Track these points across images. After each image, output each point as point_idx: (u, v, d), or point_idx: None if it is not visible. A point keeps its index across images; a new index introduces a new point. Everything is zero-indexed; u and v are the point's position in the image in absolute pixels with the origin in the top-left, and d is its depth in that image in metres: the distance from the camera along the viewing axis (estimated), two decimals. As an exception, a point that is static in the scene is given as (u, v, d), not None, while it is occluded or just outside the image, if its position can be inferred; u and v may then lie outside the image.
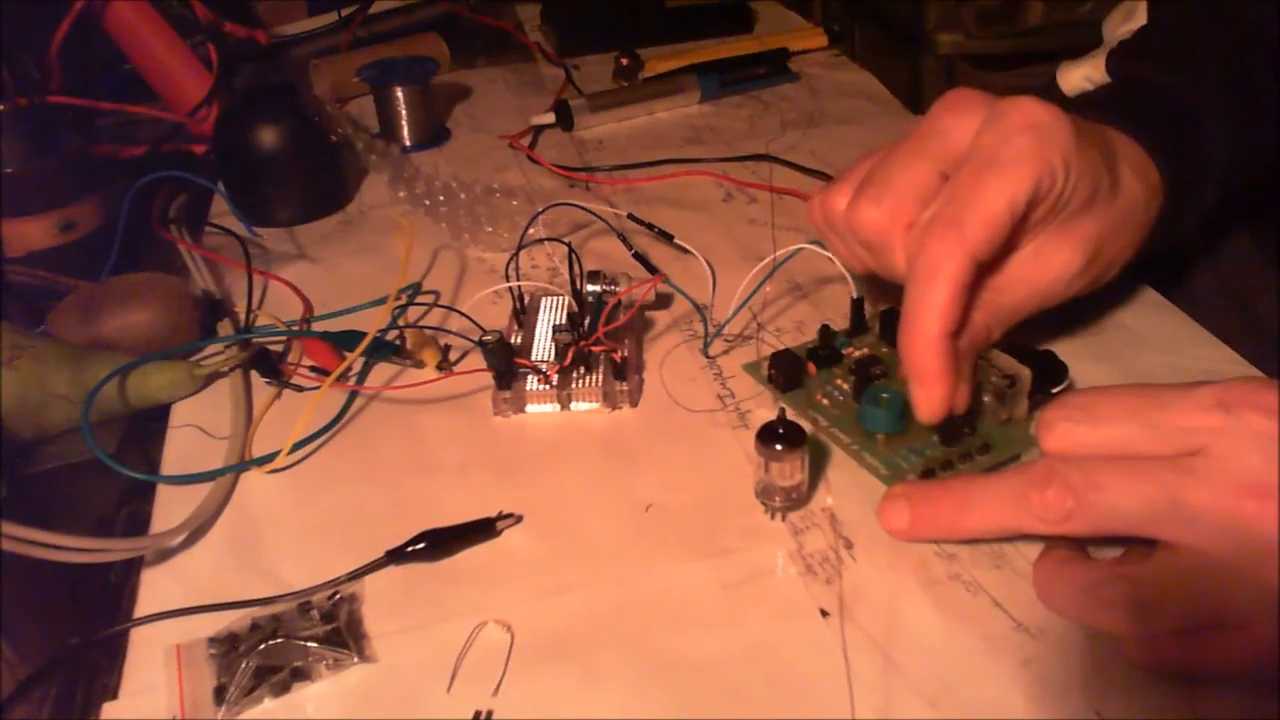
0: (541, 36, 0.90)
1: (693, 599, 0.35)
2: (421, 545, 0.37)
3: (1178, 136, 0.44)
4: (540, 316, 0.48)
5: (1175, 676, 0.31)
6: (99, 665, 0.35)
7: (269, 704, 0.33)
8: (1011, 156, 0.36)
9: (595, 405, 0.44)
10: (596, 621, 0.34)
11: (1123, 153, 0.41)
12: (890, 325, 0.45)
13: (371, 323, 0.46)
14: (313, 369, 0.47)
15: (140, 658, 0.34)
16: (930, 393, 0.37)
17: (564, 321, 0.46)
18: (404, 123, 0.70)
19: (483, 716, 0.32)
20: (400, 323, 0.50)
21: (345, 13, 0.92)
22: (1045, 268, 0.40)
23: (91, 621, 0.36)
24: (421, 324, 0.51)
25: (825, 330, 0.45)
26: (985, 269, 0.38)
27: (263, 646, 0.33)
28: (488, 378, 0.44)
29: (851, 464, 0.40)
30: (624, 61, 0.79)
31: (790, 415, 0.41)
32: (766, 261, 0.44)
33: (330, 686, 0.33)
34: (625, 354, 0.44)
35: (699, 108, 0.75)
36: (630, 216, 0.54)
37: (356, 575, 0.36)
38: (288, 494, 0.41)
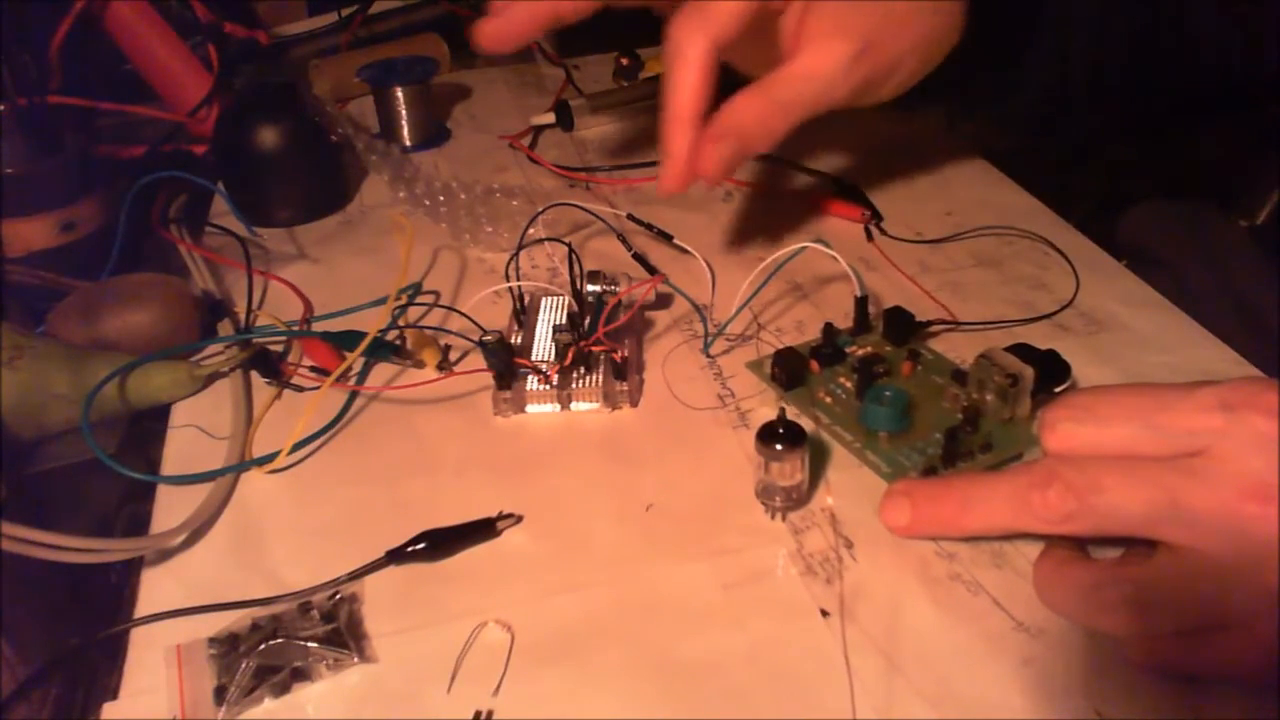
0: (542, 36, 0.90)
1: (693, 599, 0.35)
2: (421, 545, 0.37)
3: None
4: (540, 316, 0.48)
5: (1175, 677, 0.31)
6: (99, 665, 0.35)
7: (269, 704, 0.32)
8: None
9: (595, 405, 0.44)
10: (596, 621, 0.34)
11: None
12: (894, 324, 0.45)
13: (371, 323, 0.46)
14: (313, 369, 0.47)
15: (140, 658, 0.34)
16: (671, 166, 0.42)
17: (564, 321, 0.45)
18: (404, 123, 0.70)
19: (483, 716, 0.32)
20: (400, 323, 0.50)
21: (345, 13, 0.92)
22: (818, 60, 0.42)
23: (91, 621, 0.36)
24: (421, 324, 0.51)
25: (829, 328, 0.45)
26: (768, 68, 0.42)
27: (263, 646, 0.33)
28: (488, 378, 0.44)
29: (852, 464, 0.40)
30: (624, 61, 0.79)
31: (793, 413, 0.42)
32: (768, 262, 0.44)
33: (330, 686, 0.33)
34: (625, 354, 0.44)
35: (699, 107, 0.75)
36: (630, 216, 0.54)
37: (356, 575, 0.36)
38: (288, 494, 0.41)
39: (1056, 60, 0.49)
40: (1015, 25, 0.49)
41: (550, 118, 0.72)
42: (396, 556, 0.37)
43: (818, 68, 0.42)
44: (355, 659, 0.33)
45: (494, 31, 0.45)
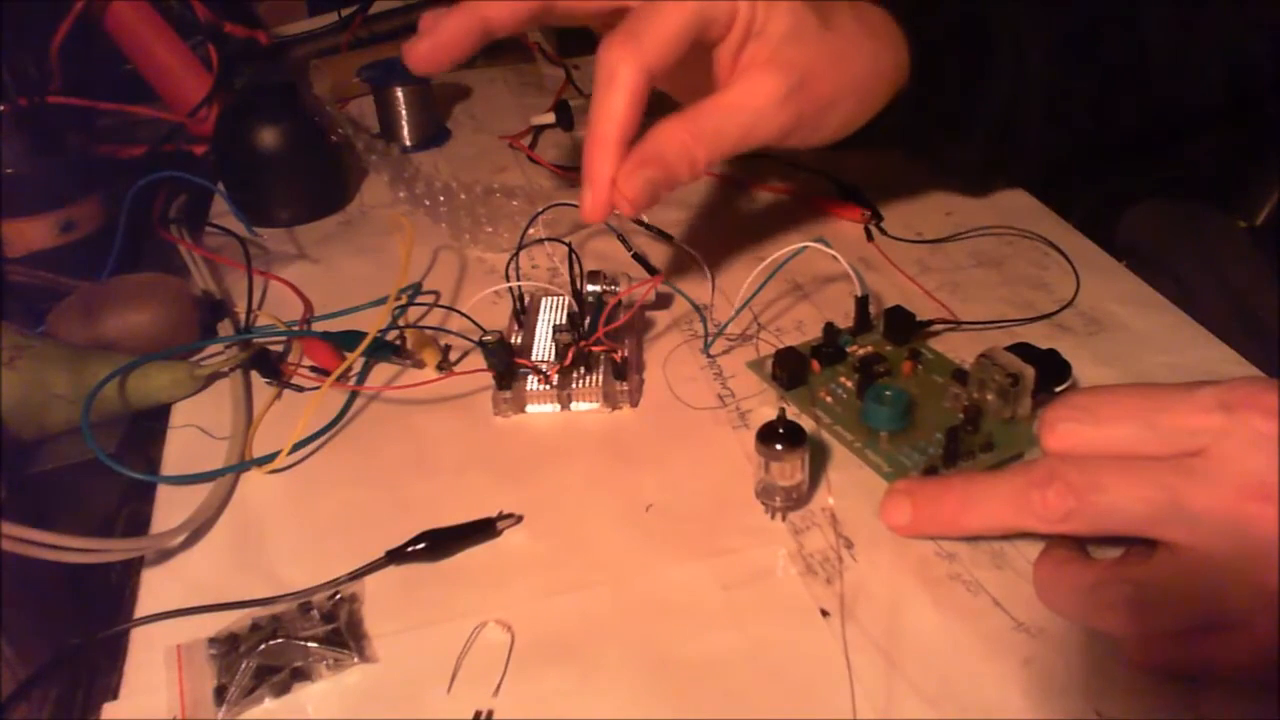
0: (541, 36, 0.90)
1: (693, 599, 0.35)
2: (421, 545, 0.37)
3: (935, 12, 0.46)
4: (540, 316, 0.48)
5: (1175, 676, 0.31)
6: (99, 665, 0.35)
7: (269, 704, 0.32)
8: None
9: (595, 405, 0.44)
10: (596, 621, 0.34)
11: (843, 2, 0.44)
12: (894, 323, 0.45)
13: (371, 323, 0.46)
14: (313, 369, 0.47)
15: (140, 658, 0.34)
16: (594, 192, 0.40)
17: (564, 321, 0.46)
18: (404, 123, 0.70)
19: (483, 716, 0.32)
20: (400, 323, 0.50)
21: (345, 13, 0.92)
22: (751, 92, 0.41)
23: (91, 621, 0.36)
24: (422, 324, 0.51)
25: (830, 328, 0.45)
26: (693, 91, 0.42)
27: (263, 647, 0.33)
28: (488, 378, 0.44)
29: (852, 463, 0.40)
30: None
31: (793, 413, 0.42)
32: (768, 262, 0.44)
33: (330, 686, 0.33)
34: (625, 354, 0.44)
35: (699, 108, 0.75)
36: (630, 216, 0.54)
37: (356, 575, 0.36)
38: (288, 494, 0.41)
39: (1010, 100, 0.50)
40: (966, 68, 0.48)
41: (550, 118, 0.72)
42: (396, 556, 0.37)
43: (748, 100, 0.41)
44: (355, 659, 0.33)
45: (425, 53, 0.42)
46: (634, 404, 0.44)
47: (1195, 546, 0.30)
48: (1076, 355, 0.42)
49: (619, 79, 0.39)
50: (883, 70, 0.45)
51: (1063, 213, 0.57)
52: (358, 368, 0.48)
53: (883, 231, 0.56)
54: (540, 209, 0.51)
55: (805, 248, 0.44)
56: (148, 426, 0.45)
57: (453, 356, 0.48)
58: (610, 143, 0.40)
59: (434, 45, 0.41)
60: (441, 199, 0.59)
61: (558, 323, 0.47)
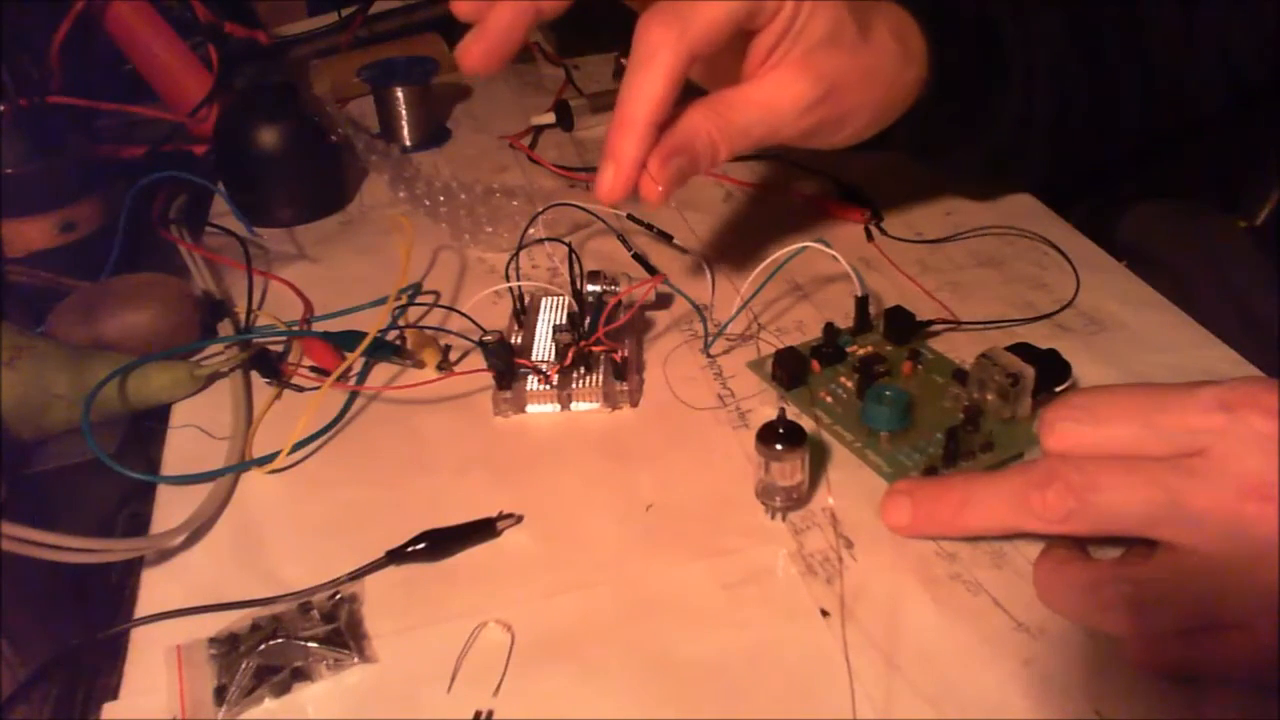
0: (541, 36, 0.90)
1: (693, 599, 0.35)
2: (421, 545, 0.37)
3: (955, 21, 0.46)
4: (540, 316, 0.48)
5: (1175, 677, 0.31)
6: (99, 665, 0.35)
7: (269, 704, 0.32)
8: None
9: (595, 405, 0.44)
10: (596, 621, 0.34)
11: (882, 11, 0.43)
12: (895, 324, 0.45)
13: (372, 323, 0.46)
14: (313, 369, 0.47)
15: (140, 658, 0.34)
16: (617, 173, 0.38)
17: (564, 321, 0.45)
18: (404, 123, 0.70)
19: (483, 716, 0.32)
20: (400, 323, 0.50)
21: (345, 13, 0.92)
22: (779, 94, 0.41)
23: (91, 621, 0.36)
24: (422, 324, 0.51)
25: (830, 328, 0.45)
26: (721, 80, 0.41)
27: (263, 647, 0.33)
28: (488, 378, 0.44)
29: (852, 463, 0.40)
30: (624, 61, 0.79)
31: (793, 413, 0.42)
32: (768, 262, 0.44)
33: (330, 687, 0.33)
34: (625, 354, 0.44)
35: (699, 108, 0.75)
36: (630, 217, 0.54)
37: (356, 575, 0.36)
38: (288, 494, 0.41)
39: (1021, 110, 0.50)
40: (981, 80, 0.49)
41: (550, 118, 0.72)
42: (396, 556, 0.37)
43: (777, 102, 0.41)
44: (355, 659, 0.33)
45: (482, 56, 0.40)
46: (634, 404, 0.44)
47: (1195, 546, 0.30)
48: (1076, 355, 0.42)
49: (658, 60, 0.37)
50: (906, 85, 0.45)
51: (1063, 213, 0.57)
52: (358, 368, 0.48)
53: (883, 231, 0.56)
54: (540, 209, 0.51)
55: (805, 248, 0.44)
56: (148, 426, 0.45)
57: (453, 356, 0.48)
58: (640, 124, 0.38)
59: (490, 46, 0.39)
60: (441, 199, 0.59)
61: (558, 323, 0.47)
